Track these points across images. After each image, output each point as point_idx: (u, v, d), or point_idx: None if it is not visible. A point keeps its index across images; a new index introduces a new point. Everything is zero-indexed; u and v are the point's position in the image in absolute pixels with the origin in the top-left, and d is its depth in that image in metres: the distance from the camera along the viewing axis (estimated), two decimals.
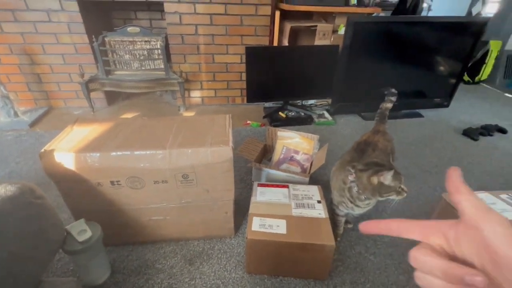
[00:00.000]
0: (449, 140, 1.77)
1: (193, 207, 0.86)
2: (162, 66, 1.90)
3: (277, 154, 1.30)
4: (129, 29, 1.76)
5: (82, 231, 0.73)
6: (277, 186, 0.99)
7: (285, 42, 1.99)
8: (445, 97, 2.13)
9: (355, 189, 0.79)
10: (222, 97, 2.13)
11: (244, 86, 1.93)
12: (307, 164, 1.26)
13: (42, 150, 0.72)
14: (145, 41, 1.84)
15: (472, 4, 3.54)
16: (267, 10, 1.83)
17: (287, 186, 0.99)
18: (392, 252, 0.98)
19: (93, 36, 1.71)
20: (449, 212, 0.90)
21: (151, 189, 0.78)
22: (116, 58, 1.86)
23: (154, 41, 1.84)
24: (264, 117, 1.93)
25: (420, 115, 2.10)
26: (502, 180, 1.39)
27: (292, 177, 1.14)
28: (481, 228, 0.19)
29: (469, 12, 3.47)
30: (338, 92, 1.90)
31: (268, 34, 1.93)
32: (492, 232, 0.19)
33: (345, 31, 1.65)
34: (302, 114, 1.96)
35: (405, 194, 0.73)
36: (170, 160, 0.74)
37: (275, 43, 1.98)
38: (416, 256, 0.22)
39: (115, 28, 1.77)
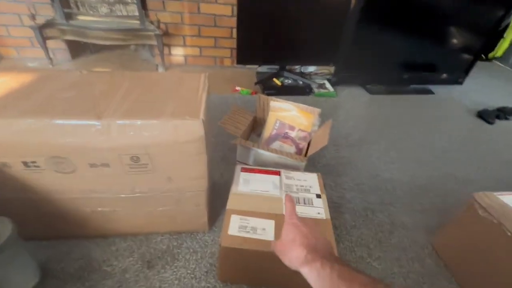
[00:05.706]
0: (462, 122, 1.58)
1: (151, 198, 0.64)
2: (137, 13, 1.56)
3: (269, 129, 1.08)
4: None
5: None
6: (266, 172, 0.78)
7: None
8: (460, 73, 1.90)
9: None
10: (208, 57, 1.82)
11: (235, 45, 1.63)
12: (303, 144, 1.05)
13: None
14: None
15: None
16: None
17: (278, 173, 0.78)
18: (400, 257, 0.81)
19: None
20: (475, 214, 0.71)
21: (88, 174, 0.55)
22: None
23: None
24: (256, 83, 1.67)
25: (430, 92, 1.88)
26: None
27: (285, 159, 0.92)
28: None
29: None
30: (343, 58, 1.63)
31: None
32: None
33: None
34: (300, 82, 1.70)
35: None
36: (109, 136, 0.50)
37: None
38: None
39: None
